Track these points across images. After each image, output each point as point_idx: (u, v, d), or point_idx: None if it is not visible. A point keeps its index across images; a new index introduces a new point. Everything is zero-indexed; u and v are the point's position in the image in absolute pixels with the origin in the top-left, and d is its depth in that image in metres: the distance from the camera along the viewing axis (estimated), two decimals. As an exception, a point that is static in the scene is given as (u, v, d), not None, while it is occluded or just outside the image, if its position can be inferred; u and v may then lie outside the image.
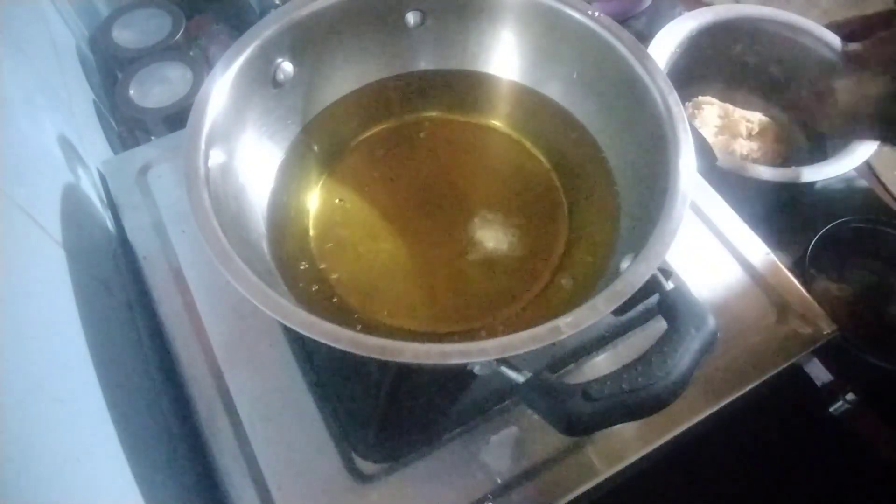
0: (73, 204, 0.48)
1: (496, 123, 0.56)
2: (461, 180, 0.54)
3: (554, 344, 0.35)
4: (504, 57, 0.56)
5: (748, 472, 0.64)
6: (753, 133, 0.73)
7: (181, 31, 0.68)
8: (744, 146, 0.72)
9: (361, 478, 0.44)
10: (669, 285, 0.38)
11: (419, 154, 0.55)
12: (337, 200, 0.52)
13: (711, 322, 0.36)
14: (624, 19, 0.85)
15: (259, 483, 0.43)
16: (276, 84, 0.49)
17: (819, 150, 0.75)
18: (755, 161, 0.71)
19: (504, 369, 0.36)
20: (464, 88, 0.57)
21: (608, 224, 0.50)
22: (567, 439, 0.45)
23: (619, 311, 0.37)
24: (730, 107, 0.75)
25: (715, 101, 0.76)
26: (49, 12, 0.62)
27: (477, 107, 0.57)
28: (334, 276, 0.48)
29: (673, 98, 0.45)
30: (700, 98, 0.77)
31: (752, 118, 0.74)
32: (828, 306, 0.52)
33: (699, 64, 0.78)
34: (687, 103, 0.77)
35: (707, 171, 0.59)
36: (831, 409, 0.56)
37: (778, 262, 0.54)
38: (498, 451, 0.45)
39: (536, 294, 0.48)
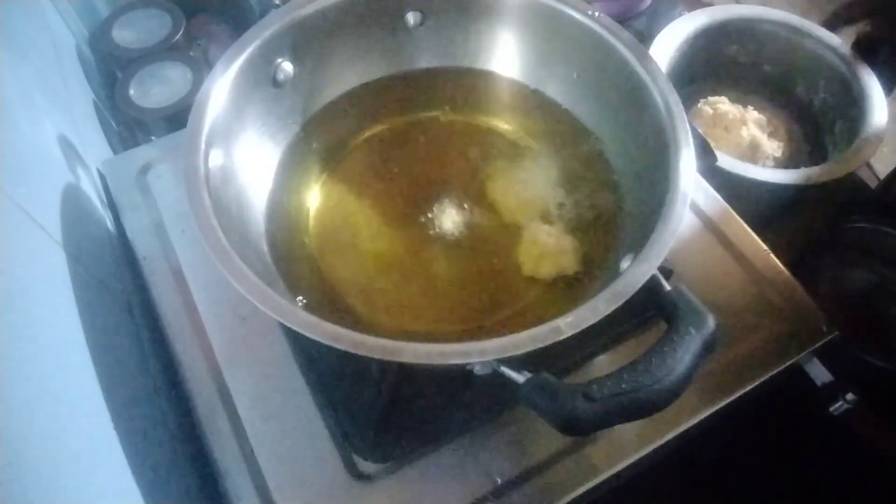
0: (73, 204, 0.48)
1: (496, 123, 0.56)
2: (461, 180, 0.53)
3: (554, 344, 0.35)
4: (504, 57, 0.56)
5: (748, 473, 0.64)
6: (761, 134, 0.73)
7: (181, 31, 0.68)
8: (749, 147, 0.72)
9: (361, 478, 0.44)
10: (669, 285, 0.38)
11: (419, 154, 0.55)
12: (337, 200, 0.52)
13: (711, 322, 0.36)
14: (624, 19, 0.85)
15: (259, 483, 0.43)
16: (276, 84, 0.49)
17: (819, 150, 0.75)
18: (758, 162, 0.71)
19: (504, 369, 0.36)
20: (464, 88, 0.57)
21: (608, 224, 0.50)
22: (567, 439, 0.45)
23: (620, 311, 0.37)
24: (738, 107, 0.75)
25: (726, 100, 0.76)
26: (49, 12, 0.62)
27: (477, 106, 0.57)
28: (334, 275, 0.48)
29: (673, 98, 0.45)
30: (711, 98, 0.77)
31: (762, 118, 0.75)
32: (828, 306, 0.52)
33: (700, 64, 0.78)
34: (701, 101, 0.77)
35: (707, 171, 0.59)
36: (831, 409, 0.56)
37: (778, 262, 0.54)
38: (498, 451, 0.45)
39: (537, 294, 0.48)
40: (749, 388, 0.48)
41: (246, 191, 0.47)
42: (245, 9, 0.71)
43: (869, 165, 0.74)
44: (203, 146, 0.42)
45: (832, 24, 0.69)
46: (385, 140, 0.55)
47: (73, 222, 0.46)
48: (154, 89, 0.64)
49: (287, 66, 0.50)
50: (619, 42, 0.48)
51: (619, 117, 0.51)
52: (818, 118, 0.76)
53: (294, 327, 0.35)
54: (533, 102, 0.56)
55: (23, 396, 0.30)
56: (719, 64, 0.79)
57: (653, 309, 0.41)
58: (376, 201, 0.52)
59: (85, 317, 0.41)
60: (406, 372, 0.45)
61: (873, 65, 0.69)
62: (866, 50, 0.69)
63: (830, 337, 0.50)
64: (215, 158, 0.43)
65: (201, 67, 0.65)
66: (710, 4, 0.78)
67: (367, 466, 0.44)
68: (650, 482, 0.52)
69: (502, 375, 0.36)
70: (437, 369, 0.46)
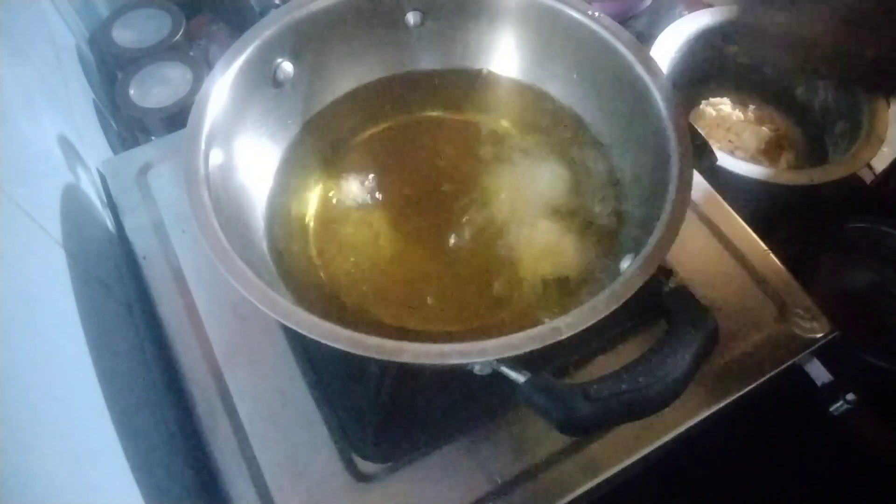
0: (73, 204, 0.48)
1: (496, 123, 0.56)
2: (461, 180, 0.53)
3: (554, 344, 0.35)
4: (504, 57, 0.56)
5: (748, 473, 0.64)
6: (762, 135, 0.73)
7: (181, 31, 0.68)
8: (750, 147, 0.72)
9: (361, 478, 0.44)
10: (669, 285, 0.38)
11: (419, 153, 0.55)
12: (336, 200, 0.52)
13: (711, 322, 0.36)
14: (624, 19, 0.85)
15: (259, 483, 0.43)
16: (276, 84, 0.49)
17: (820, 151, 0.75)
18: (759, 162, 0.71)
19: (504, 369, 0.36)
20: (464, 88, 0.57)
21: (608, 224, 0.50)
22: (567, 439, 0.45)
23: (620, 311, 0.37)
24: (739, 108, 0.75)
25: (727, 101, 0.76)
26: (49, 12, 0.62)
27: (477, 106, 0.57)
28: (334, 275, 0.48)
29: (673, 98, 0.45)
30: (713, 99, 0.77)
31: (762, 119, 0.75)
32: (828, 306, 0.52)
33: (701, 65, 0.78)
34: (703, 102, 0.77)
35: (707, 171, 0.59)
36: (831, 409, 0.56)
37: (778, 262, 0.54)
38: (498, 451, 0.45)
39: (537, 294, 0.48)
40: (749, 388, 0.48)
41: (246, 191, 0.47)
42: (245, 9, 0.71)
43: (869, 166, 0.74)
44: (203, 146, 0.42)
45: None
46: (385, 140, 0.55)
47: (73, 222, 0.46)
48: (154, 89, 0.64)
49: (287, 66, 0.50)
50: (620, 42, 0.48)
51: (619, 117, 0.51)
52: (819, 119, 0.76)
53: (294, 327, 0.35)
54: (533, 102, 0.56)
55: (22, 397, 0.30)
56: (720, 65, 0.79)
57: (653, 309, 0.41)
58: (376, 201, 0.52)
59: (85, 317, 0.41)
60: (406, 372, 0.45)
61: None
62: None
63: (830, 337, 0.50)
64: (215, 158, 0.43)
65: (201, 67, 0.65)
66: (710, 5, 0.78)
67: (367, 466, 0.44)
68: (650, 482, 0.52)
69: (502, 375, 0.36)
70: (437, 369, 0.46)
